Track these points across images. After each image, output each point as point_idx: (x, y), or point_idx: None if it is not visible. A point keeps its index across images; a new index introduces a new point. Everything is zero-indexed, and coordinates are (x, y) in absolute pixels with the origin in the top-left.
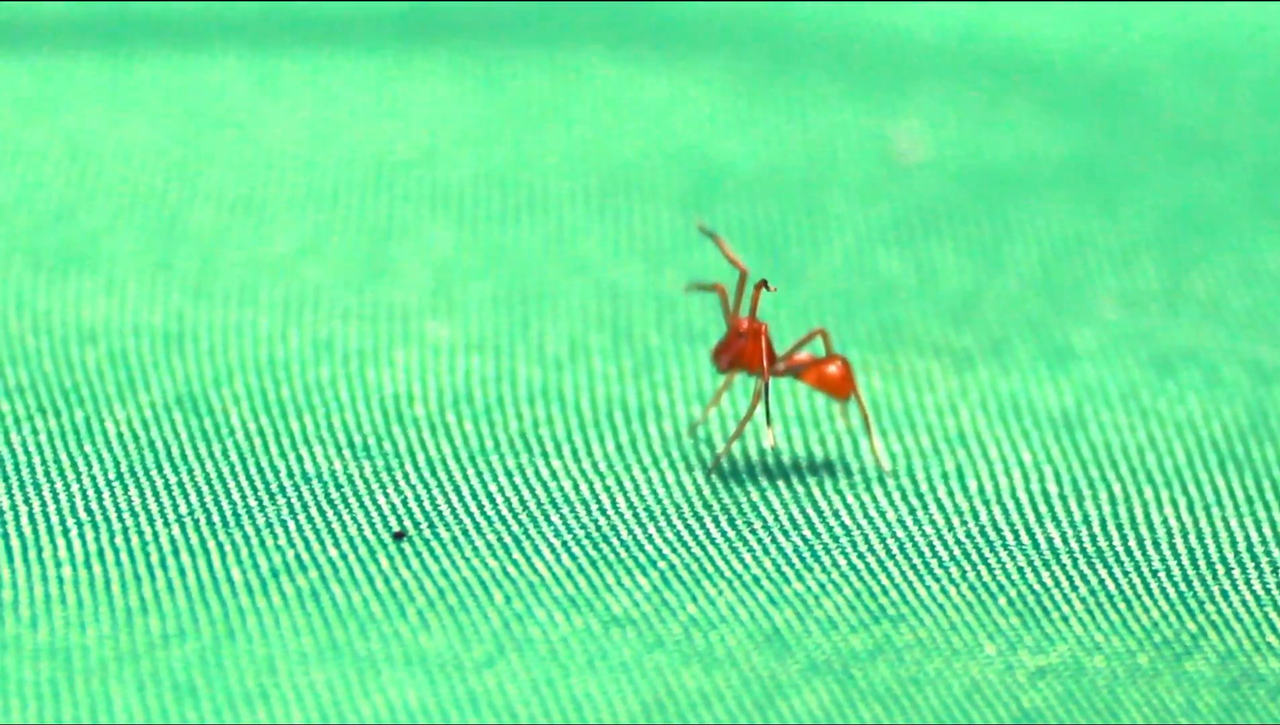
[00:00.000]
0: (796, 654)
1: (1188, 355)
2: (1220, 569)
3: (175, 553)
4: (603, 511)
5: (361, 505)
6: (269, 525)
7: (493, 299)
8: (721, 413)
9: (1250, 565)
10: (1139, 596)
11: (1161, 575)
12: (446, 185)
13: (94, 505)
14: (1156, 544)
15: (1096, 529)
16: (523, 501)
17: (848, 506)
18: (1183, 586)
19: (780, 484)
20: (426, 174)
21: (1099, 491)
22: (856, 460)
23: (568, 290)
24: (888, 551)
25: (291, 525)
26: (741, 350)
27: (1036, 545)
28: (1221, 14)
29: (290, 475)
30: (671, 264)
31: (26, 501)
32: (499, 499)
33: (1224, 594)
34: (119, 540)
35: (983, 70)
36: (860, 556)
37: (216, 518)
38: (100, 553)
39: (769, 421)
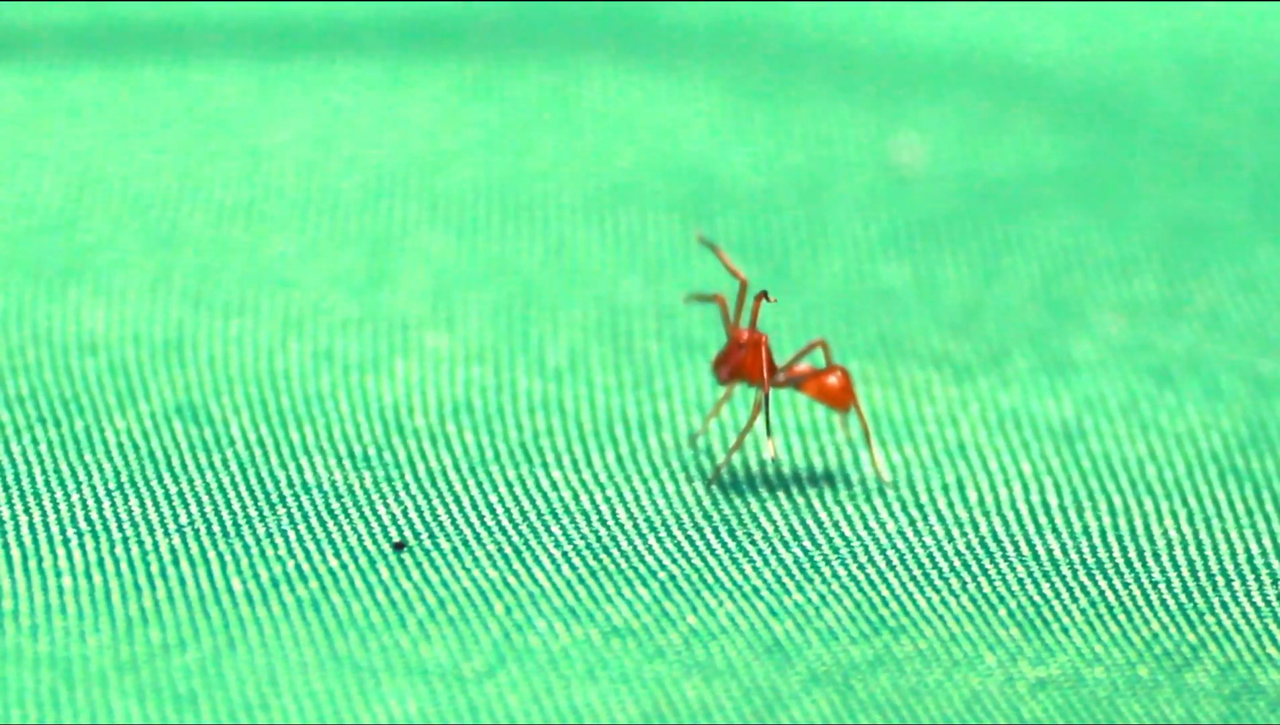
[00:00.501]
0: (797, 665)
1: (1188, 367)
2: (1220, 581)
3: (175, 562)
4: (603, 522)
5: (362, 515)
6: (269, 535)
7: (492, 309)
8: (722, 424)
9: (1250, 577)
10: (1139, 608)
11: (1161, 587)
12: (446, 195)
13: (94, 515)
14: (1156, 555)
15: (1096, 540)
16: (523, 512)
17: (848, 518)
18: (1183, 598)
19: (780, 495)
20: (426, 184)
21: (1099, 503)
22: (856, 471)
23: (568, 301)
24: (888, 563)
25: (291, 535)
26: (742, 361)
27: (1036, 557)
28: (1220, 25)
29: (290, 485)
30: (671, 275)
31: (27, 511)
32: (499, 509)
33: (1224, 606)
34: (119, 550)
35: (982, 82)
36: (860, 568)
37: (216, 528)
38: (100, 562)
39: (769, 432)
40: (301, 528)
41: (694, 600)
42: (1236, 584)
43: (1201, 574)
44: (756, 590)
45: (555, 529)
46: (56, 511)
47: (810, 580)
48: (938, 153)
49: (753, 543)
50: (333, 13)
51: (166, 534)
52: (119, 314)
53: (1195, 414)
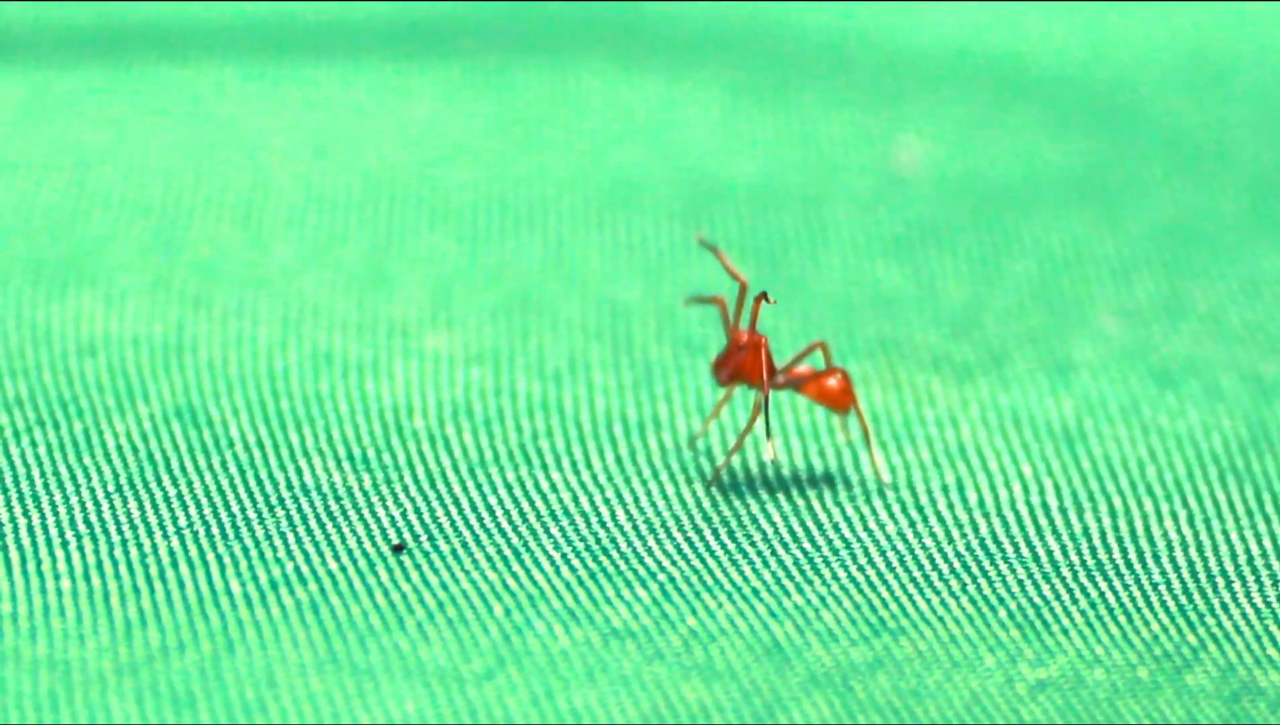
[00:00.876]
0: (796, 666)
1: (1188, 368)
2: (1220, 582)
3: (174, 565)
4: (602, 524)
5: (361, 517)
6: (268, 537)
7: (492, 311)
8: (721, 425)
9: (1250, 578)
10: (1139, 609)
11: (1162, 588)
12: (446, 198)
13: (93, 517)
14: (1157, 557)
15: (1097, 542)
16: (522, 514)
17: (848, 519)
18: (1183, 599)
19: (780, 497)
20: (426, 186)
21: (1099, 504)
22: (856, 473)
23: (567, 303)
24: (888, 564)
25: (291, 537)
26: (741, 363)
27: (1037, 558)
28: (1220, 26)
29: (289, 487)
30: (671, 277)
31: (26, 514)
32: (498, 511)
33: (1224, 607)
34: (118, 552)
35: (982, 83)
36: (860, 569)
37: (216, 530)
38: (99, 565)
39: (769, 434)
40: (301, 530)
41: (693, 602)
42: (1237, 585)
43: (1202, 575)
44: (756, 592)
45: (554, 530)
46: (55, 514)
47: (810, 582)
48: (938, 155)
49: (752, 544)
50: (333, 14)
51: (166, 536)
52: (119, 316)
53: (1196, 415)
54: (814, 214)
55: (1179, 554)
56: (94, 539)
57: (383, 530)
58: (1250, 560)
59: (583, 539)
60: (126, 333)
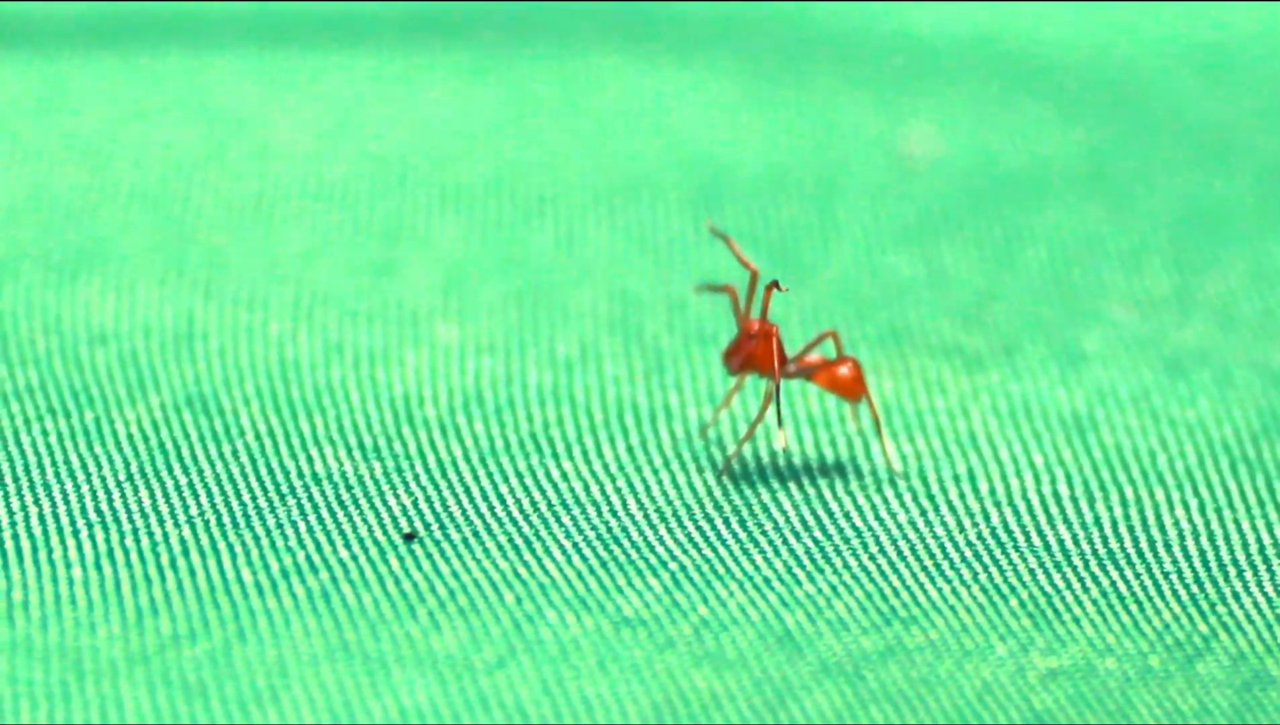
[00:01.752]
0: (808, 655)
1: (1199, 357)
2: (1232, 571)
3: (185, 554)
4: (613, 513)
5: (372, 506)
6: (279, 526)
7: (503, 301)
8: (732, 414)
9: (1262, 567)
10: (1150, 598)
11: (1173, 577)
12: (457, 187)
13: (104, 506)
14: (1168, 546)
15: (1108, 531)
16: (533, 503)
17: (859, 508)
18: (1194, 588)
19: (791, 486)
20: (436, 175)
21: (1110, 494)
22: (868, 462)
23: (578, 292)
24: (899, 553)
25: (302, 526)
26: (752, 352)
27: (1048, 547)
28: (1231, 16)
29: (301, 476)
30: (682, 265)
31: (37, 502)
32: (510, 500)
33: (1235, 596)
34: (129, 541)
35: (994, 72)
36: (871, 558)
37: (227, 519)
38: (110, 554)
39: (780, 423)
40: (312, 518)
41: (705, 591)
42: (1248, 574)
43: (1213, 564)
44: (767, 581)
45: (566, 520)
46: (66, 503)
47: (821, 571)
48: (949, 143)
49: (763, 533)
50: (344, 4)
51: (177, 525)
52: (129, 305)
53: (1206, 405)
54: (824, 203)
55: (1190, 543)
56: (105, 528)
57: (394, 519)
58: (1261, 549)
59: (594, 528)
60: (137, 322)
